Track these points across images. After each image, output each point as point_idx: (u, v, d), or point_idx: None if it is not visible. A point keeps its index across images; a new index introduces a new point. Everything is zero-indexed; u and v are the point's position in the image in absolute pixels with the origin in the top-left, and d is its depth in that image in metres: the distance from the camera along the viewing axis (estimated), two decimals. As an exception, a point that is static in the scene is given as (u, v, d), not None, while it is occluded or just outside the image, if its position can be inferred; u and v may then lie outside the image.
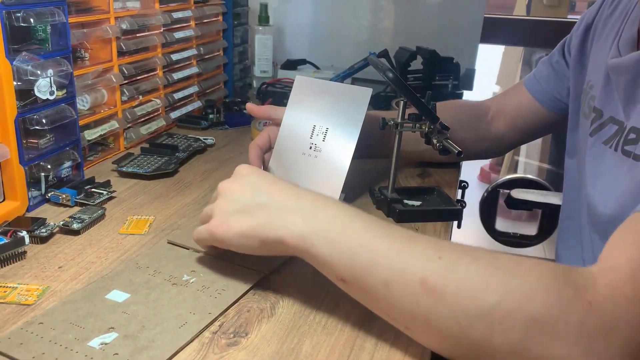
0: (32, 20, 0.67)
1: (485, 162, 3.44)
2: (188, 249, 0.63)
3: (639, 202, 0.45)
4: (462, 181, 1.13)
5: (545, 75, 0.83)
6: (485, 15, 1.57)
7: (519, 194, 1.60)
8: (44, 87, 0.70)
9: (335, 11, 1.56)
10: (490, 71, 3.05)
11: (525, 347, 0.38)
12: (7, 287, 0.55)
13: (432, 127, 0.70)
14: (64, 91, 0.75)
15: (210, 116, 1.10)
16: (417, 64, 1.28)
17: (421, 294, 0.42)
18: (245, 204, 0.53)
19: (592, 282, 0.39)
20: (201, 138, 0.98)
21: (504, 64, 3.03)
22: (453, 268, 0.42)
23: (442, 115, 0.82)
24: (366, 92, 0.74)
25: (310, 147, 0.76)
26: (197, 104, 1.14)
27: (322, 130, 0.76)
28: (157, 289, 0.55)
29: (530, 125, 0.86)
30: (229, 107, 1.16)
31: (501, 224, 2.00)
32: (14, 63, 0.66)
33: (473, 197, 2.10)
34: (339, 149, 0.74)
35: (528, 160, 2.68)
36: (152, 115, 1.01)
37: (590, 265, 0.42)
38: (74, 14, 0.80)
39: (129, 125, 0.94)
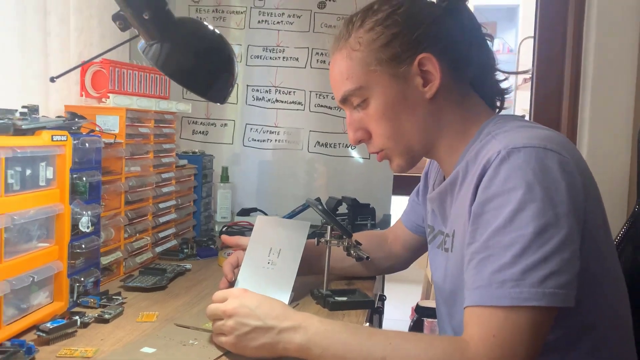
0: (84, 179, 1.01)
1: (414, 304, 3.80)
2: (189, 328, 0.92)
3: (463, 294, 0.78)
4: (382, 295, 1.47)
5: (409, 210, 1.24)
6: (397, 175, 2.05)
7: (424, 302, 1.93)
8: (85, 223, 1.02)
9: (277, 172, 1.99)
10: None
11: None
12: (71, 349, 0.82)
13: (349, 242, 1.06)
14: (93, 227, 1.07)
15: (186, 250, 1.42)
16: (343, 209, 1.68)
17: None
18: (255, 326, 0.80)
19: (466, 346, 0.74)
20: (181, 264, 1.29)
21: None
22: (398, 348, 0.75)
23: (360, 239, 1.19)
24: (306, 224, 1.12)
25: (268, 263, 1.10)
26: (174, 242, 1.46)
27: (277, 250, 1.11)
28: (173, 347, 0.84)
29: (413, 245, 1.23)
30: (199, 244, 1.48)
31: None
32: (71, 206, 0.98)
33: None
34: (289, 262, 1.08)
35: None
36: (143, 249, 1.32)
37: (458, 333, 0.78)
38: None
39: (128, 256, 1.25)
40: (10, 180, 0.83)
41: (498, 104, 0.99)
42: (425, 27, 0.89)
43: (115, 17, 0.72)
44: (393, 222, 2.07)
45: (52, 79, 0.86)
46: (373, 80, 0.90)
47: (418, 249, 1.24)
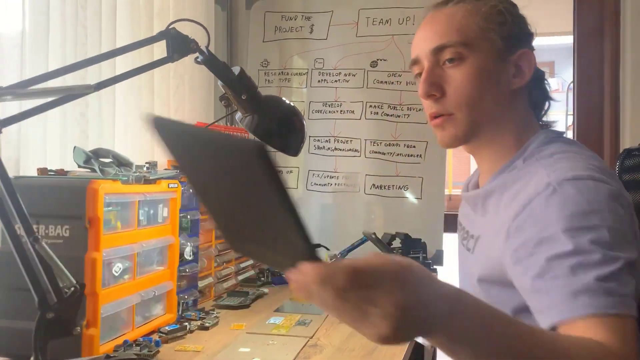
0: (188, 217, 1.29)
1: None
2: (259, 334, 1.16)
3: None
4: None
5: None
6: (448, 212, 2.24)
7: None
8: (188, 252, 1.30)
9: (337, 212, 2.23)
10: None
11: None
12: (184, 346, 1.08)
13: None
14: (194, 256, 1.34)
15: (262, 278, 1.67)
16: (397, 243, 1.89)
17: None
18: (418, 317, 0.53)
19: None
20: (260, 289, 1.55)
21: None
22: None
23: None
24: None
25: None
26: (252, 272, 1.72)
27: None
28: (261, 347, 1.08)
29: None
30: (273, 274, 1.74)
31: None
32: (179, 238, 1.26)
33: None
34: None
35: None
36: (228, 277, 1.58)
37: None
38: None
39: (217, 282, 1.51)
40: (141, 217, 1.12)
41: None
42: (529, 26, 0.97)
43: (221, 98, 1.00)
44: (445, 257, 2.27)
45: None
46: (482, 44, 0.92)
47: None
